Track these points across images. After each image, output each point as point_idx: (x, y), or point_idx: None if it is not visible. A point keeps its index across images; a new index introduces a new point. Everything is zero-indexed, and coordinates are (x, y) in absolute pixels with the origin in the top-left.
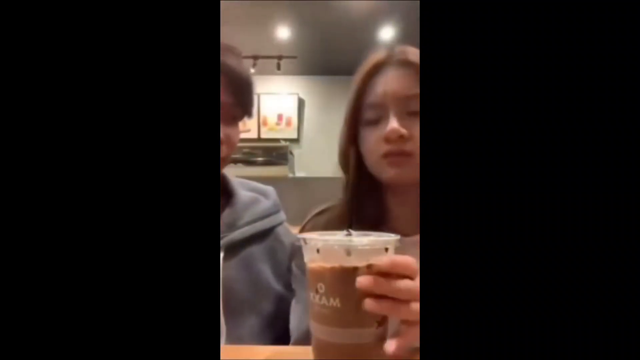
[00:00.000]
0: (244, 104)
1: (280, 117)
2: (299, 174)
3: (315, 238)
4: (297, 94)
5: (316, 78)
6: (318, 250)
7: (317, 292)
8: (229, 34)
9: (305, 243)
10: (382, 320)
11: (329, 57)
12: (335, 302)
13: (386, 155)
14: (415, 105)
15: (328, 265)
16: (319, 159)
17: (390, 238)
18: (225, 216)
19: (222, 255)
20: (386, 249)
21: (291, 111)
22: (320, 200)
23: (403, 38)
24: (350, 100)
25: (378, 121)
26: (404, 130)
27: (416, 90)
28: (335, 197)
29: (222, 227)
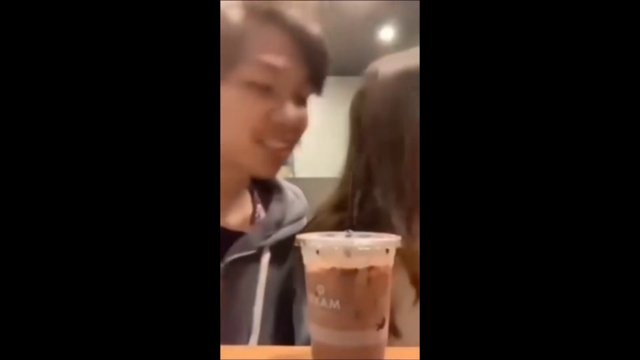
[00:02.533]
0: (317, 79)
1: None
2: (300, 174)
3: (315, 239)
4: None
5: None
6: (317, 252)
7: (316, 294)
8: None
9: (305, 244)
10: (382, 323)
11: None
12: (335, 304)
13: None
14: None
15: (328, 266)
16: (320, 159)
17: (391, 239)
18: (275, 211)
19: (269, 255)
20: (387, 250)
21: None
22: (320, 201)
23: (403, 38)
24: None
25: None
26: None
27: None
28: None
29: (270, 224)
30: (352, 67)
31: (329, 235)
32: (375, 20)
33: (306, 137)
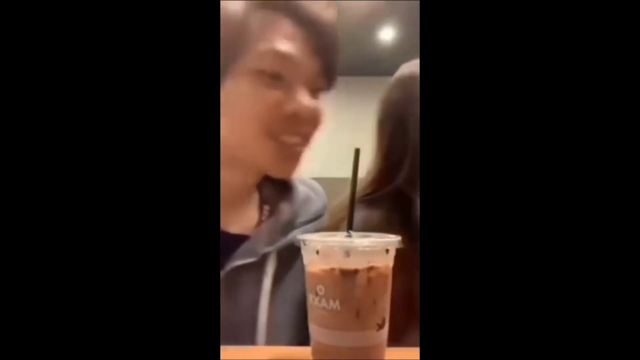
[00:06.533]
0: (329, 71)
1: None
2: (301, 174)
3: (315, 239)
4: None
5: None
6: (317, 252)
7: (316, 294)
8: None
9: (304, 244)
10: (383, 323)
11: None
12: (335, 305)
13: None
14: None
15: (328, 267)
16: (320, 159)
17: (391, 239)
18: (283, 213)
19: (275, 261)
20: (387, 251)
21: None
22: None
23: (403, 38)
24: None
25: None
26: None
27: None
28: (339, 197)
29: (275, 227)
30: (352, 67)
31: (329, 236)
32: (376, 20)
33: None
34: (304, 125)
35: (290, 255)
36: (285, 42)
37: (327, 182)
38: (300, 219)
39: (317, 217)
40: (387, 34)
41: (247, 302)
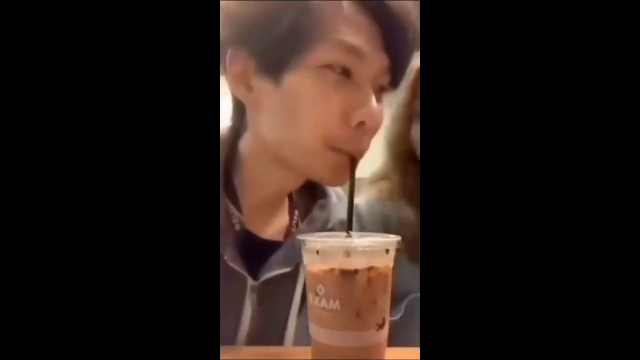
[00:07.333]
0: (400, 69)
1: None
2: None
3: (315, 239)
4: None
5: None
6: (317, 252)
7: (316, 294)
8: None
9: (304, 244)
10: (383, 323)
11: None
12: (335, 305)
13: None
14: None
15: (327, 267)
16: None
17: (391, 239)
18: (317, 219)
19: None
20: (387, 251)
21: None
22: None
23: None
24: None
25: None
26: None
27: None
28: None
29: (314, 231)
30: None
31: (329, 236)
32: None
33: None
34: (369, 133)
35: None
36: (355, 34)
37: None
38: (329, 226)
39: (342, 223)
40: None
41: (279, 313)
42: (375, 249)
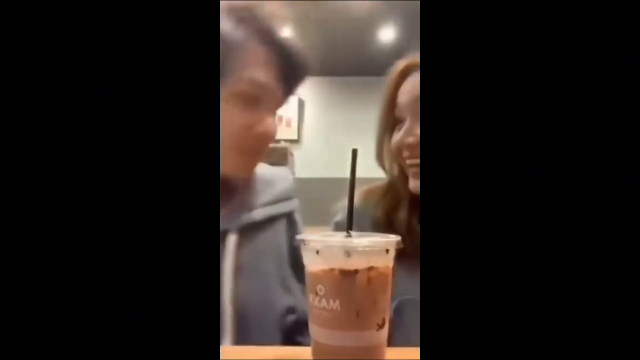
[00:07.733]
0: (291, 88)
1: (280, 118)
2: (299, 175)
3: (315, 239)
4: (297, 95)
5: (316, 79)
6: (317, 252)
7: (316, 294)
8: None
9: (305, 244)
10: (383, 323)
11: (329, 57)
12: (335, 305)
13: (409, 164)
14: None
15: (328, 267)
16: (319, 159)
17: (391, 239)
18: (242, 196)
19: (235, 238)
20: (387, 251)
21: (291, 112)
22: (320, 201)
23: (403, 38)
24: (382, 102)
25: (401, 125)
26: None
27: None
28: (335, 198)
29: (237, 207)
30: (352, 68)
31: (329, 236)
32: (375, 20)
33: (307, 138)
34: (267, 142)
35: (251, 232)
36: (262, 70)
37: (326, 182)
38: (262, 201)
39: (285, 199)
40: (387, 34)
41: None
42: (375, 249)
